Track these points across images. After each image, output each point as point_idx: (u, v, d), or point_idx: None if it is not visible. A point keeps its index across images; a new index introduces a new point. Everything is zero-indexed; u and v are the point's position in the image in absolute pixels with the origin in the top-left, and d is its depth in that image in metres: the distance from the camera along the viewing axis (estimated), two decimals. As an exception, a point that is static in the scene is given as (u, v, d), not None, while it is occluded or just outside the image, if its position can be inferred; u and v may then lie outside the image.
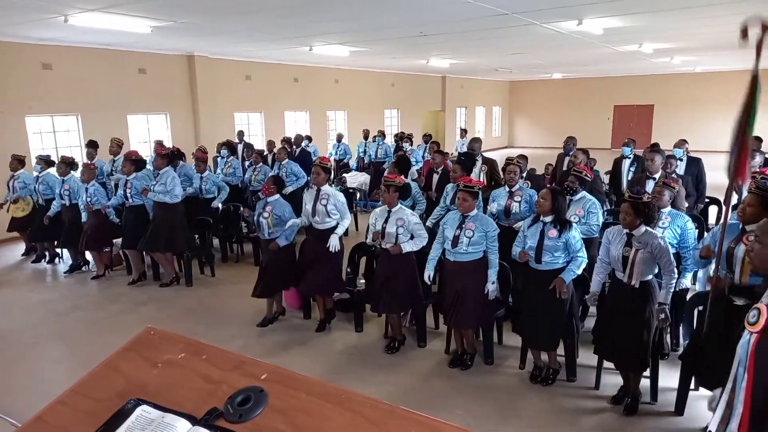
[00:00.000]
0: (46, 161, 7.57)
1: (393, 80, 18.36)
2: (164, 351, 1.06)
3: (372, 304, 4.92)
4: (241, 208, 6.12)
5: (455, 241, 4.25)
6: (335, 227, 5.11)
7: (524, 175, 6.91)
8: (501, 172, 6.29)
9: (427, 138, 12.13)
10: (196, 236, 7.31)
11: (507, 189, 5.43)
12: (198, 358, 1.02)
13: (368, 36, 9.67)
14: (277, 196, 5.35)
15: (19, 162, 7.70)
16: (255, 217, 5.39)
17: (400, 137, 12.58)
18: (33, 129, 9.64)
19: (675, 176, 6.23)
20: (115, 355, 1.11)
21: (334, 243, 5.03)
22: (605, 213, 6.15)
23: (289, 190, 8.09)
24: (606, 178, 8.71)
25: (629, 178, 7.26)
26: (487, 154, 8.11)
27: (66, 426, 0.92)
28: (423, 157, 10.97)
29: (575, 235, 4.04)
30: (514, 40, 10.55)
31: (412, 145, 11.72)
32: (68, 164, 7.08)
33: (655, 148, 6.94)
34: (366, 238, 5.86)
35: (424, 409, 0.81)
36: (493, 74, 21.26)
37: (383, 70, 17.48)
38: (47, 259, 7.85)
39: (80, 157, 9.79)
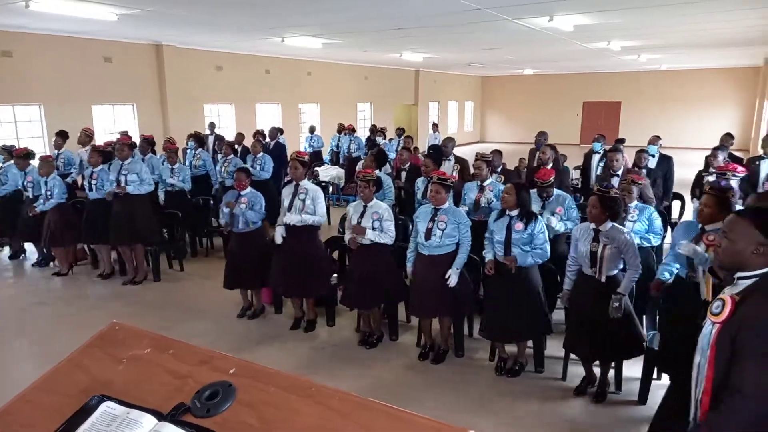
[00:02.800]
0: (9, 152, 7.31)
1: (366, 73, 18.30)
2: (130, 346, 1.04)
3: (346, 300, 4.90)
4: (217, 223, 5.88)
5: (428, 233, 4.27)
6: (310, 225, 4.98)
7: (498, 169, 6.99)
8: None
9: (400, 132, 12.15)
10: (165, 230, 7.18)
11: (478, 183, 5.49)
12: (165, 354, 1.00)
13: (341, 28, 9.61)
14: (249, 189, 5.30)
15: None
16: (227, 213, 5.27)
17: (374, 131, 12.59)
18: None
19: (644, 171, 6.39)
20: (79, 351, 1.08)
21: (302, 219, 4.89)
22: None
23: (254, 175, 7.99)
24: (575, 173, 8.88)
25: (598, 173, 7.42)
26: (459, 149, 8.17)
27: (29, 422, 0.89)
28: (396, 150, 10.98)
29: (541, 227, 4.11)
30: (486, 36, 10.63)
31: (384, 138, 11.73)
32: (24, 156, 6.84)
33: (616, 146, 7.11)
34: (339, 231, 5.86)
35: (396, 401, 0.81)
36: (466, 69, 21.41)
37: (356, 63, 17.41)
38: (9, 253, 7.59)
39: (45, 147, 9.50)
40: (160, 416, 0.84)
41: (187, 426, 0.83)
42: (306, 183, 5.01)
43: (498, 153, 7.07)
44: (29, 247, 7.56)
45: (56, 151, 8.00)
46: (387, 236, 4.56)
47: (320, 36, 10.71)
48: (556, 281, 4.50)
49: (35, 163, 6.91)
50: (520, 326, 4.19)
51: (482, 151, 6.03)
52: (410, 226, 5.50)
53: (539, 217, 4.21)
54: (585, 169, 7.90)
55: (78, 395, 0.91)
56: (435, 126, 15.55)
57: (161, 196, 7.31)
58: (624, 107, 22.71)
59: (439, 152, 6.67)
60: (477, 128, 26.53)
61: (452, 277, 4.25)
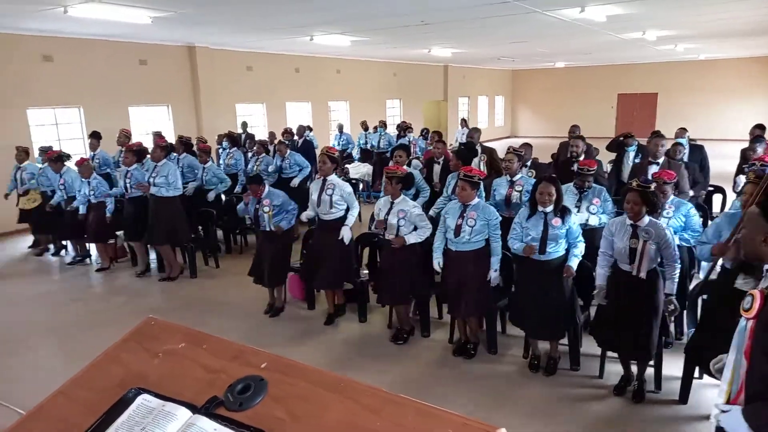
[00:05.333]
0: (46, 152, 7.57)
1: (395, 70, 18.27)
2: (165, 341, 1.06)
3: (377, 295, 4.92)
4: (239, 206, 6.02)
5: (457, 230, 4.24)
6: (343, 218, 5.05)
7: (528, 163, 6.87)
8: (501, 161, 6.24)
9: (424, 132, 12.07)
10: (200, 227, 7.33)
11: (508, 178, 5.40)
12: (198, 348, 1.02)
13: (369, 25, 9.61)
14: (268, 188, 5.36)
15: (25, 153, 7.72)
16: (252, 213, 5.37)
17: (404, 128, 12.55)
18: (35, 121, 9.63)
19: (681, 163, 6.20)
20: (115, 345, 1.11)
21: (346, 235, 4.97)
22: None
23: (296, 182, 8.09)
24: (608, 167, 8.68)
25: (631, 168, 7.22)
26: (490, 144, 8.07)
27: (67, 416, 0.92)
28: (421, 150, 10.95)
29: (575, 220, 4.06)
30: (516, 29, 10.48)
31: (413, 134, 11.69)
32: (56, 159, 7.07)
33: (659, 132, 6.91)
34: (369, 228, 5.88)
35: (428, 398, 0.81)
36: (495, 63, 21.15)
37: (385, 59, 17.39)
38: (52, 251, 7.88)
39: (85, 149, 9.81)
40: (195, 409, 0.86)
41: (220, 419, 0.84)
42: (333, 178, 5.05)
43: (528, 146, 6.94)
44: (60, 244, 7.82)
45: (92, 152, 8.25)
46: (425, 231, 4.57)
47: (348, 34, 10.73)
48: (590, 277, 4.41)
49: (69, 164, 7.14)
50: (552, 323, 4.12)
51: (513, 145, 5.93)
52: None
53: (572, 211, 4.15)
54: (618, 162, 7.70)
55: (115, 388, 0.93)
56: (464, 122, 15.39)
57: (190, 190, 7.40)
58: (661, 99, 22.06)
59: (468, 149, 6.57)
60: (507, 123, 26.20)
61: (493, 278, 4.23)
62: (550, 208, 4.01)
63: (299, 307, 5.71)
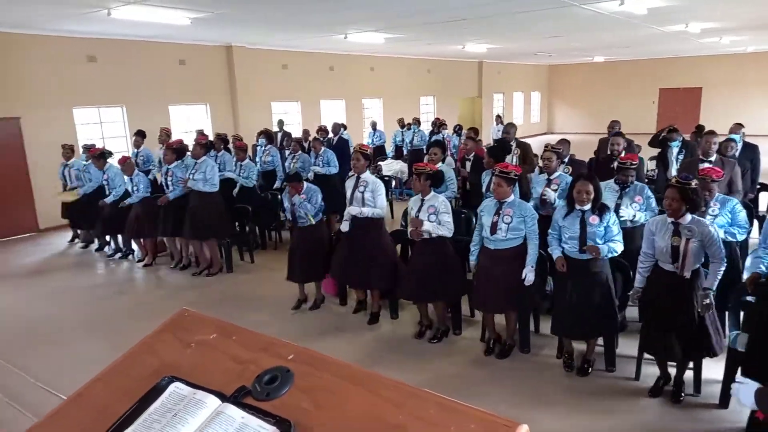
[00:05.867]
0: (89, 150, 7.86)
1: (429, 67, 18.19)
2: (197, 332, 1.09)
3: (407, 293, 4.93)
4: (282, 215, 6.12)
5: (493, 227, 4.20)
6: (373, 218, 5.01)
7: (566, 160, 6.71)
8: (535, 157, 6.15)
9: (458, 129, 11.95)
10: (236, 223, 7.48)
11: (545, 176, 5.30)
12: (228, 339, 1.05)
13: (403, 22, 9.59)
14: (306, 184, 5.43)
15: (71, 151, 8.04)
16: (288, 210, 5.45)
17: (438, 124, 12.49)
18: (80, 120, 10.01)
19: (734, 160, 5.97)
20: (151, 336, 1.16)
21: (343, 227, 4.99)
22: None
23: (317, 169, 8.12)
24: (650, 164, 8.44)
25: (677, 165, 6.99)
26: (528, 140, 7.95)
27: (105, 401, 0.96)
28: (457, 146, 10.85)
29: (614, 219, 3.97)
30: (552, 23, 10.28)
31: (447, 131, 11.60)
32: (99, 156, 7.32)
33: (706, 130, 6.67)
34: (401, 225, 5.88)
35: (458, 395, 0.81)
36: (531, 58, 20.81)
37: (419, 56, 17.34)
38: (96, 245, 8.18)
39: (127, 146, 10.14)
40: (224, 398, 0.89)
41: (248, 408, 0.86)
42: (367, 175, 5.06)
43: (566, 142, 6.79)
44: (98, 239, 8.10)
45: (135, 150, 8.52)
46: (444, 228, 4.53)
47: (382, 31, 10.75)
48: (629, 277, 4.31)
49: (112, 161, 7.39)
50: (589, 323, 4.05)
51: (550, 142, 5.81)
52: (474, 219, 5.44)
53: (611, 208, 4.05)
54: (663, 158, 7.46)
55: (150, 376, 0.97)
56: (498, 118, 15.20)
57: (237, 188, 7.58)
58: (705, 93, 21.28)
59: (502, 147, 6.49)
60: (544, 119, 25.75)
61: (528, 276, 4.17)
62: (587, 207, 3.93)
63: (331, 302, 5.76)
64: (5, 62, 8.72)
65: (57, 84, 9.37)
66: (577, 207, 3.96)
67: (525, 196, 5.18)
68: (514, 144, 6.88)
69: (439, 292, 4.73)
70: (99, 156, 7.32)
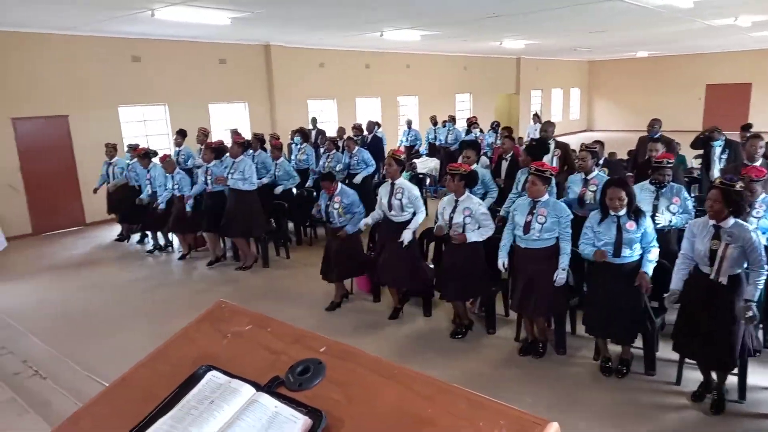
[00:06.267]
0: (134, 149, 8.14)
1: (465, 63, 18.03)
2: (233, 323, 1.13)
3: (440, 291, 4.92)
4: (313, 210, 6.21)
5: (527, 227, 4.15)
6: (410, 220, 5.03)
7: (601, 162, 6.52)
8: (575, 158, 6.01)
9: (494, 125, 11.79)
10: (272, 220, 7.62)
11: (582, 176, 5.19)
12: (263, 331, 1.08)
13: (439, 19, 9.55)
14: (340, 186, 5.47)
15: (114, 149, 8.34)
16: (323, 209, 5.51)
17: (471, 122, 12.40)
18: (125, 118, 10.36)
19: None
20: (190, 326, 1.20)
21: (406, 238, 4.92)
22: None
23: (359, 178, 8.20)
24: (693, 162, 8.16)
25: (721, 165, 6.74)
26: (565, 138, 7.81)
27: (146, 386, 1.01)
28: (493, 143, 10.74)
29: (650, 223, 3.87)
30: (593, 18, 10.04)
31: (481, 131, 11.49)
32: (144, 156, 7.56)
33: (750, 129, 6.40)
34: (435, 222, 5.87)
35: (490, 395, 0.81)
36: (571, 54, 20.37)
37: (455, 53, 17.21)
38: (138, 239, 8.46)
39: (170, 144, 10.44)
40: (258, 387, 0.92)
41: (281, 397, 0.89)
42: (401, 181, 5.05)
43: (600, 144, 6.59)
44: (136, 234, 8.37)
45: (177, 148, 8.76)
46: (487, 230, 4.51)
47: (419, 28, 10.72)
48: (666, 279, 4.18)
49: (155, 160, 7.62)
50: (624, 325, 3.95)
51: (588, 140, 5.69)
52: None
53: (646, 213, 3.95)
54: (705, 158, 7.20)
55: (189, 364, 1.01)
56: (536, 117, 14.89)
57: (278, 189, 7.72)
58: (755, 90, 20.39)
59: (540, 146, 6.36)
60: (583, 116, 25.18)
61: (559, 278, 4.10)
62: (622, 212, 3.84)
63: (365, 299, 5.80)
64: (55, 63, 9.09)
65: (103, 83, 9.72)
66: (612, 213, 3.87)
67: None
68: (553, 144, 6.75)
69: (471, 290, 4.70)
70: (144, 155, 7.57)
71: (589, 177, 5.09)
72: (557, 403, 3.80)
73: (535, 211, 4.15)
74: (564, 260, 4.12)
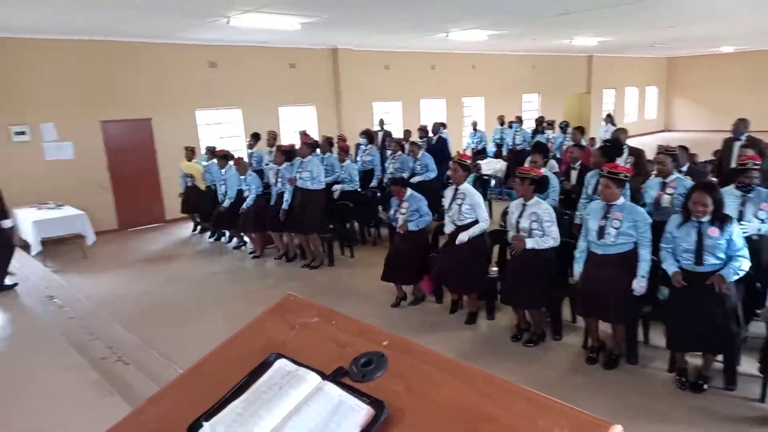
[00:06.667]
0: (211, 152, 8.58)
1: (534, 62, 17.62)
2: (301, 315, 1.18)
3: (503, 296, 4.85)
4: (380, 209, 6.27)
5: (600, 232, 4.00)
6: (471, 224, 4.99)
7: (683, 168, 6.13)
8: (649, 163, 5.72)
9: (564, 125, 11.36)
10: (337, 220, 7.78)
11: (660, 180, 4.94)
12: (329, 323, 1.13)
13: (507, 18, 9.39)
14: (410, 191, 5.50)
15: (192, 152, 8.82)
16: (392, 213, 5.58)
17: (540, 122, 12.09)
18: (202, 121, 10.91)
19: None
20: (260, 316, 1.27)
21: (461, 239, 4.90)
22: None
23: (416, 179, 8.17)
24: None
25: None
26: (641, 139, 7.47)
27: (220, 372, 1.08)
28: (561, 144, 10.39)
29: (737, 230, 3.61)
30: (672, 11, 9.53)
31: (552, 131, 11.15)
32: (223, 157, 7.92)
33: None
34: (500, 225, 5.79)
35: None
36: (647, 51, 19.41)
37: (523, 52, 16.85)
38: (215, 237, 8.89)
39: (241, 146, 10.89)
40: (323, 376, 0.96)
41: (344, 387, 0.93)
42: (465, 187, 5.02)
43: (683, 149, 6.20)
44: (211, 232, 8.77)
45: (249, 150, 9.13)
46: (550, 239, 4.39)
47: (486, 28, 10.59)
48: (756, 291, 3.92)
49: (230, 163, 7.98)
50: (707, 339, 3.71)
51: (667, 141, 5.40)
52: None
53: (734, 219, 3.70)
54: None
55: (259, 352, 1.07)
56: (609, 117, 14.25)
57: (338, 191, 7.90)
58: None
59: (615, 146, 6.11)
60: (661, 116, 23.93)
61: (638, 286, 3.93)
62: (706, 218, 3.63)
63: (428, 299, 5.81)
64: (139, 69, 9.72)
65: (182, 88, 10.29)
66: (694, 218, 3.67)
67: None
68: (626, 151, 6.46)
69: (536, 297, 4.59)
70: (223, 156, 7.96)
71: (667, 180, 4.83)
72: (625, 414, 3.65)
73: (609, 215, 3.99)
74: (643, 267, 3.94)
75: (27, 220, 7.57)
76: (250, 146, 9.13)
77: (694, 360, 4.01)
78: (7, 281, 6.26)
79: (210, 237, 8.83)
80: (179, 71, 10.22)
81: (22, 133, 8.70)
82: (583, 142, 8.18)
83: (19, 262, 7.21)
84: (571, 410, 0.76)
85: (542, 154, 6.17)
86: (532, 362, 4.43)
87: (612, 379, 4.11)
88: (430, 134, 10.69)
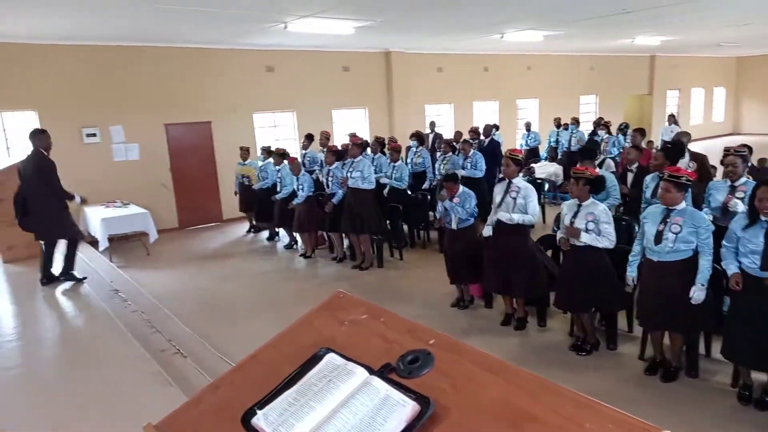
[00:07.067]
0: (267, 151, 8.83)
1: (592, 63, 17.10)
2: (350, 312, 1.22)
3: (556, 301, 4.74)
4: (435, 216, 6.22)
5: (658, 237, 3.84)
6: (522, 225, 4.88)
7: (748, 167, 5.84)
8: (713, 169, 5.44)
9: (623, 127, 10.97)
10: (387, 222, 7.83)
11: (728, 183, 4.69)
12: (377, 321, 1.15)
13: (564, 18, 9.18)
14: (462, 188, 5.48)
15: (247, 152, 9.12)
16: (441, 210, 5.56)
17: (598, 123, 11.74)
18: (258, 124, 11.24)
19: None
20: (311, 313, 1.31)
21: (503, 217, 4.83)
22: None
23: (462, 172, 8.07)
24: None
25: None
26: (707, 143, 7.14)
27: (273, 363, 1.13)
28: (621, 147, 10.03)
29: None
30: (742, 7, 9.04)
31: (609, 133, 10.79)
32: (281, 155, 8.14)
33: None
34: (552, 230, 5.67)
35: None
36: (714, 50, 18.45)
37: (580, 53, 16.38)
38: (267, 236, 9.13)
39: (297, 148, 11.15)
40: (371, 371, 0.99)
41: (391, 383, 0.95)
42: (519, 181, 4.94)
43: (748, 148, 5.87)
44: (272, 231, 9.00)
45: (303, 151, 9.34)
46: (606, 240, 4.26)
47: (542, 28, 10.39)
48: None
49: (285, 162, 8.18)
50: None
51: (735, 144, 5.10)
52: (636, 228, 5.05)
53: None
54: None
55: (310, 346, 1.11)
56: (672, 118, 13.65)
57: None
58: None
59: (677, 148, 5.85)
60: (729, 118, 22.69)
61: (697, 294, 3.76)
62: (775, 218, 3.43)
63: (477, 304, 5.76)
64: (201, 74, 10.13)
65: (240, 92, 10.64)
66: (762, 218, 3.47)
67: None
68: (687, 156, 6.18)
69: (591, 302, 4.47)
70: (280, 155, 8.19)
71: (737, 184, 4.59)
72: (683, 430, 3.49)
73: (668, 220, 3.84)
74: (703, 275, 3.76)
75: (96, 218, 8.03)
76: (304, 147, 9.34)
77: (759, 376, 3.80)
78: (76, 274, 6.66)
79: (268, 239, 9.06)
80: (238, 76, 10.58)
81: (93, 135, 9.25)
82: (642, 145, 7.88)
83: (87, 257, 7.67)
84: (619, 414, 0.76)
85: (591, 161, 5.98)
86: (585, 371, 4.31)
87: (670, 392, 3.95)
88: (482, 136, 10.58)
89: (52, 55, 8.71)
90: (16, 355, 4.77)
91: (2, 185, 7.21)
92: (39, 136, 6.13)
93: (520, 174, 5.10)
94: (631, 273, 4.14)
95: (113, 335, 5.06)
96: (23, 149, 7.92)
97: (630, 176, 6.22)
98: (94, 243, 8.12)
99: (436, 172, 8.63)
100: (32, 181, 6.12)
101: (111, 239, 7.90)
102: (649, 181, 5.33)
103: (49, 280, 6.51)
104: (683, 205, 3.87)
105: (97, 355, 4.71)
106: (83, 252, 7.94)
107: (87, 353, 4.80)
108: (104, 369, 4.44)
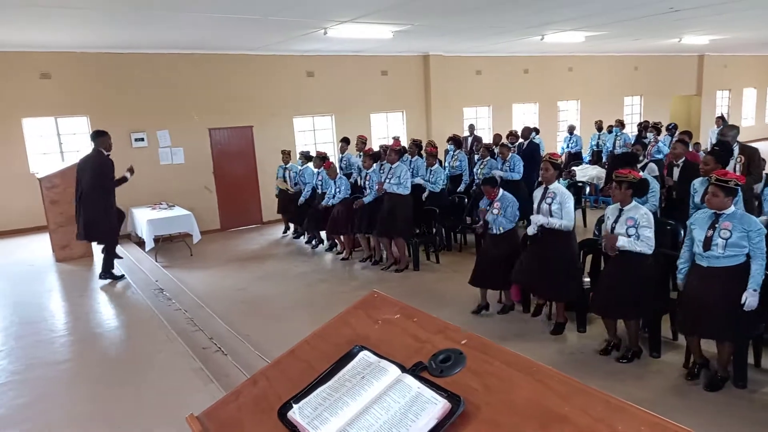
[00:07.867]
0: (306, 156, 8.97)
1: (636, 63, 16.64)
2: (384, 311, 1.24)
3: (595, 306, 4.64)
4: (470, 222, 6.16)
5: (707, 243, 3.72)
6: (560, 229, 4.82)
7: None
8: (762, 161, 5.20)
9: (671, 128, 10.64)
10: (424, 225, 7.83)
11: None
12: (410, 320, 1.18)
13: (607, 18, 8.98)
14: (502, 191, 5.43)
15: (288, 155, 9.30)
16: (481, 216, 5.54)
17: (644, 126, 11.40)
18: (298, 128, 11.43)
19: None
20: (346, 311, 1.35)
21: (535, 220, 4.84)
22: None
23: (498, 173, 8.01)
24: None
25: None
26: (759, 144, 6.84)
27: (309, 359, 1.16)
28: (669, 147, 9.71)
29: None
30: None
31: (659, 135, 10.46)
32: (322, 159, 8.27)
33: None
34: (594, 234, 5.55)
35: None
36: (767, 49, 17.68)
37: (624, 53, 15.97)
38: (306, 239, 9.27)
39: (335, 151, 11.28)
40: (403, 369, 1.01)
41: (423, 381, 0.97)
42: (555, 186, 4.88)
43: None
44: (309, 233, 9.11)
45: (340, 155, 9.44)
46: (644, 245, 4.14)
47: (583, 29, 10.19)
48: None
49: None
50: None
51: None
52: (681, 232, 4.90)
53: None
54: None
55: (344, 344, 1.14)
56: (721, 119, 13.12)
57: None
58: None
59: (724, 148, 5.65)
60: (784, 119, 21.67)
61: (749, 300, 3.62)
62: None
63: (515, 309, 5.69)
64: (243, 79, 10.38)
65: (282, 97, 10.85)
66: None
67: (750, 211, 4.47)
68: (736, 149, 5.96)
69: (632, 309, 4.35)
70: (321, 158, 8.33)
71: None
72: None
73: (717, 225, 3.71)
74: (756, 280, 3.62)
75: (142, 219, 8.33)
76: (342, 150, 9.45)
77: (815, 389, 3.62)
78: (115, 272, 6.90)
79: (307, 242, 9.19)
80: (279, 81, 10.79)
81: (141, 139, 9.61)
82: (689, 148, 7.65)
83: (134, 257, 7.96)
84: (652, 416, 0.75)
85: (632, 165, 5.82)
86: (625, 380, 4.20)
87: (713, 402, 3.81)
88: (521, 140, 10.44)
89: (104, 64, 9.11)
90: (66, 350, 5.00)
91: (57, 188, 7.58)
92: (101, 137, 6.46)
93: (559, 179, 5.02)
94: (681, 280, 4.02)
95: (157, 333, 5.24)
96: (76, 153, 8.30)
97: (676, 171, 6.06)
98: (140, 243, 8.44)
99: (475, 177, 8.58)
100: (87, 177, 6.42)
101: (157, 240, 8.18)
102: (698, 185, 5.14)
103: (107, 276, 6.79)
104: (732, 209, 3.74)
105: (142, 352, 4.88)
106: (131, 252, 8.26)
107: (132, 349, 4.99)
108: (148, 365, 4.60)
